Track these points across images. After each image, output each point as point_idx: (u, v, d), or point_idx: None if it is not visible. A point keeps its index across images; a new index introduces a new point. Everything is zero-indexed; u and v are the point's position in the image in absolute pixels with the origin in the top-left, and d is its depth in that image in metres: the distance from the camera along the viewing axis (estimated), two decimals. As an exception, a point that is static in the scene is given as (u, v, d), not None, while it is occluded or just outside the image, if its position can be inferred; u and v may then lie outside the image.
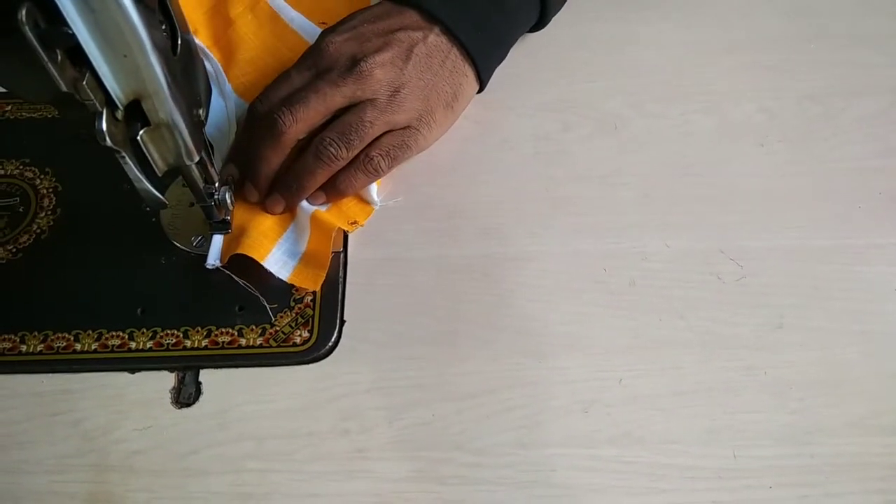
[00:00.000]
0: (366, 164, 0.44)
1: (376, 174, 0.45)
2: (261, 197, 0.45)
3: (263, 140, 0.43)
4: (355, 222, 0.45)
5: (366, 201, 0.46)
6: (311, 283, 0.43)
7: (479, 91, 0.49)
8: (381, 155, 0.44)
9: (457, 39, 0.46)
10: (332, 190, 0.45)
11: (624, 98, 0.51)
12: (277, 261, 0.43)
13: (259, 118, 0.44)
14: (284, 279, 0.43)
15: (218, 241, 0.43)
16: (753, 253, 0.44)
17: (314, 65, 0.44)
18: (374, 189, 0.46)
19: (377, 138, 0.45)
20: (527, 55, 0.53)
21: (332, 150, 0.43)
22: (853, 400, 0.40)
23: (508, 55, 0.51)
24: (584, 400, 0.40)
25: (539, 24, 0.52)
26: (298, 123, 0.43)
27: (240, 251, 0.42)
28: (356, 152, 0.44)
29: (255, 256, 0.42)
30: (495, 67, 0.49)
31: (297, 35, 0.52)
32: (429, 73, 0.45)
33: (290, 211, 0.46)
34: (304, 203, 0.45)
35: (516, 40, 0.51)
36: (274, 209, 0.45)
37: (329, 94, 0.43)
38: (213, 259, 0.42)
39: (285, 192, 0.44)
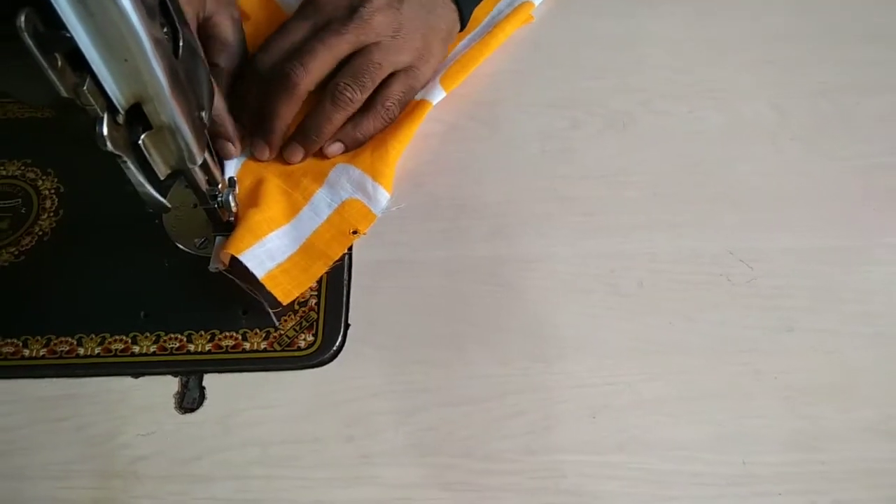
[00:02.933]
0: (383, 112, 0.46)
1: (391, 120, 0.47)
2: (273, 153, 0.46)
3: (276, 95, 0.44)
4: (356, 231, 0.44)
5: (368, 209, 0.44)
6: (282, 294, 0.41)
7: (461, 30, 0.51)
8: (394, 102, 0.47)
9: None
10: (350, 140, 0.47)
11: (632, 95, 0.50)
12: (256, 257, 0.41)
13: (267, 73, 0.45)
14: (258, 278, 0.41)
15: (219, 242, 0.43)
16: (764, 254, 0.44)
17: (312, 16, 0.45)
18: (385, 198, 0.45)
19: (386, 84, 0.46)
20: (534, 52, 0.53)
21: (348, 94, 0.45)
22: (864, 405, 0.39)
23: (513, 52, 0.51)
24: (593, 405, 0.39)
25: None
26: (310, 75, 0.44)
27: (225, 249, 0.41)
28: (368, 94, 0.46)
29: (232, 251, 0.40)
30: (474, 8, 0.51)
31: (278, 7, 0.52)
32: (423, 11, 0.47)
33: (307, 157, 0.47)
34: (307, 216, 0.44)
35: None
36: (293, 158, 0.46)
37: (335, 43, 0.44)
38: (215, 262, 0.42)
39: (304, 142, 0.46)
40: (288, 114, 0.45)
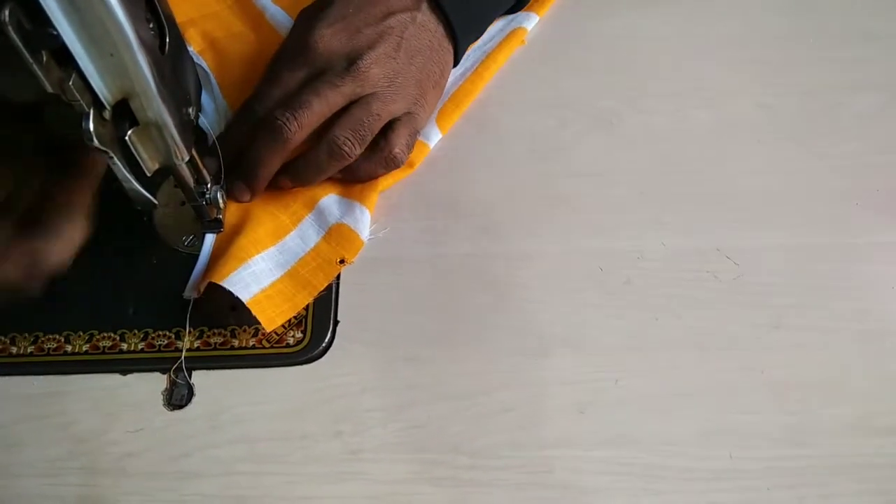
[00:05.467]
0: (389, 159, 0.45)
1: (397, 167, 0.45)
2: (253, 198, 0.45)
3: (266, 145, 0.42)
4: (343, 260, 0.43)
5: (356, 235, 0.44)
6: (266, 321, 0.40)
7: (454, 65, 0.49)
8: (402, 149, 0.45)
9: (444, 16, 0.46)
10: (351, 179, 0.46)
11: (620, 94, 0.51)
12: (241, 280, 0.40)
13: (259, 121, 0.43)
14: (244, 301, 0.40)
15: (200, 268, 0.42)
16: (750, 251, 0.44)
17: (306, 63, 0.44)
18: (368, 224, 0.44)
19: (391, 130, 0.45)
20: (522, 51, 0.53)
21: (346, 148, 0.43)
22: (851, 400, 0.39)
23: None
24: (580, 401, 0.39)
25: (519, 2, 0.52)
26: (302, 130, 0.42)
27: (208, 278, 0.40)
28: (366, 146, 0.44)
29: (214, 279, 0.40)
30: (470, 43, 0.50)
31: (271, 28, 0.52)
32: (419, 56, 0.45)
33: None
34: (294, 242, 0.44)
35: (495, 19, 0.52)
36: (283, 186, 0.45)
37: (330, 96, 0.42)
38: (191, 290, 0.41)
39: (295, 180, 0.45)
40: (275, 164, 0.43)
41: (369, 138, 0.44)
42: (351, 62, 0.43)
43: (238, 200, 0.45)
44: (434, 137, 0.48)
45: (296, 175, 0.44)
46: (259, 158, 0.43)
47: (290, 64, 0.44)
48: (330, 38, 0.44)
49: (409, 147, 0.46)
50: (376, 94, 0.43)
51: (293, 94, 0.43)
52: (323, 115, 0.43)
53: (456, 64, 0.49)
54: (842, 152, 0.48)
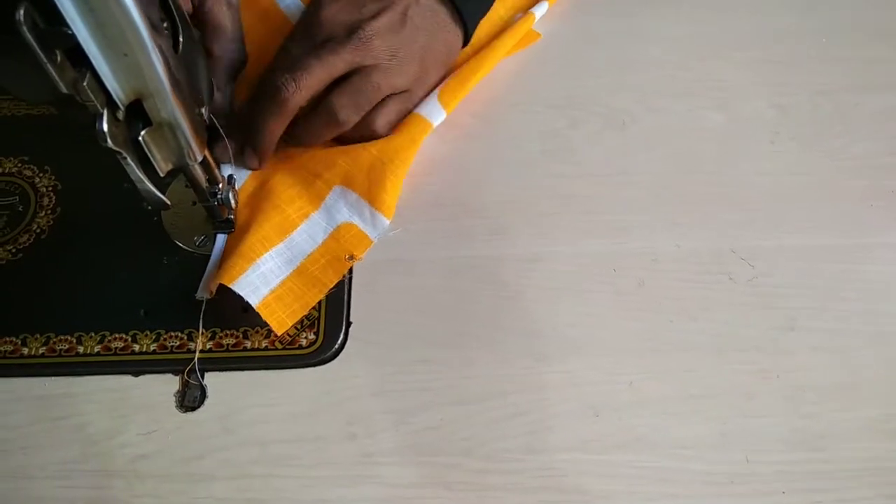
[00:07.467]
0: (368, 134, 0.46)
1: (375, 139, 0.46)
2: (262, 164, 0.46)
3: (266, 109, 0.43)
4: (352, 256, 0.43)
5: (364, 234, 0.44)
6: (277, 324, 0.40)
7: (464, 46, 0.50)
8: (383, 127, 0.46)
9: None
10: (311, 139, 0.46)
11: (632, 94, 0.50)
12: (250, 283, 0.40)
13: (261, 86, 0.44)
14: (253, 306, 0.40)
15: (211, 269, 0.42)
16: (765, 253, 0.44)
17: (311, 35, 0.45)
18: (384, 224, 0.44)
19: (382, 104, 0.45)
20: (533, 51, 0.52)
21: (342, 115, 0.44)
22: (867, 403, 0.39)
23: (512, 52, 0.51)
24: (594, 404, 0.39)
25: None
26: (302, 91, 0.43)
27: (217, 279, 0.40)
28: (363, 116, 0.45)
29: (224, 281, 0.40)
30: (479, 22, 0.50)
31: (283, 16, 0.51)
32: (423, 35, 0.46)
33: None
34: (302, 237, 0.43)
35: None
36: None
37: (331, 61, 0.43)
38: (203, 291, 0.41)
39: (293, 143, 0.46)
40: (277, 129, 0.44)
41: (366, 108, 0.44)
42: (353, 31, 0.43)
43: (248, 168, 0.46)
44: (437, 116, 0.47)
45: (293, 139, 0.45)
46: (261, 122, 0.44)
47: (297, 38, 0.45)
48: (336, 12, 0.44)
49: (393, 125, 0.46)
50: (378, 65, 0.44)
51: (295, 60, 0.43)
52: (322, 81, 0.43)
53: (465, 44, 0.49)
54: (856, 153, 0.48)
